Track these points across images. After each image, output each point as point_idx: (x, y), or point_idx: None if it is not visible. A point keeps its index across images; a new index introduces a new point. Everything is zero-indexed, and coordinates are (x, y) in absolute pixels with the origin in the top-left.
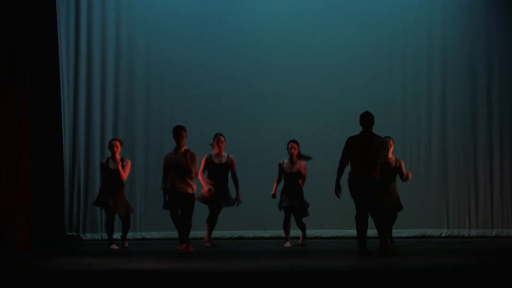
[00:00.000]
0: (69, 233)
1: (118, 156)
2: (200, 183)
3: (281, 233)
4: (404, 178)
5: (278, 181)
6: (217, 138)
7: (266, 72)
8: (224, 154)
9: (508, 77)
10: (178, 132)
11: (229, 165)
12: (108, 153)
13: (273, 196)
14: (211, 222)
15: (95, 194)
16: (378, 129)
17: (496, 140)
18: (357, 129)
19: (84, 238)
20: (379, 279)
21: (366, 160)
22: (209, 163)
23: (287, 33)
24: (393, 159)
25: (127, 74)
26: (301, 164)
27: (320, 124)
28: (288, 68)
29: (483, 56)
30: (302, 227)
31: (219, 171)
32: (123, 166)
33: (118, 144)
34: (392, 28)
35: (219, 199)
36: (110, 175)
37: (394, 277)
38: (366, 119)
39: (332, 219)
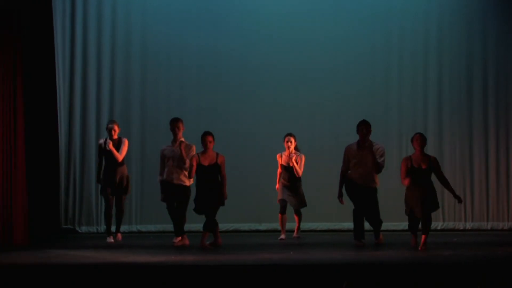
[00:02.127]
0: (64, 226)
1: (115, 137)
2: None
3: (276, 226)
4: (442, 180)
5: (281, 174)
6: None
7: (261, 69)
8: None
9: (503, 73)
10: (175, 124)
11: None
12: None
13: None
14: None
15: (90, 187)
16: (374, 123)
17: (492, 134)
18: (352, 123)
19: (80, 231)
20: (374, 271)
21: (364, 171)
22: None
23: (283, 32)
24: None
25: (122, 69)
26: (294, 155)
27: (316, 119)
28: (284, 63)
29: (479, 50)
30: (299, 216)
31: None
32: (117, 146)
33: (115, 127)
34: (389, 23)
35: None
36: (106, 156)
37: (389, 270)
38: (363, 128)
39: (328, 212)
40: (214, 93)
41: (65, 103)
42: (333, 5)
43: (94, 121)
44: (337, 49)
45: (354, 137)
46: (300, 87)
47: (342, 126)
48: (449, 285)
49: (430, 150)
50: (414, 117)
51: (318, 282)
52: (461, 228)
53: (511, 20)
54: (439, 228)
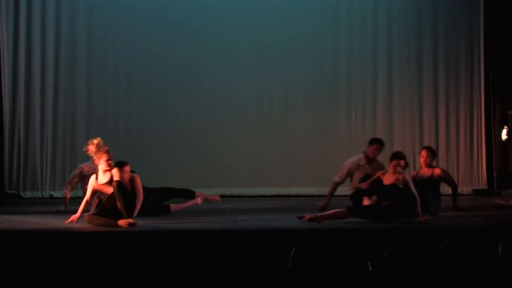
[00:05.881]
0: (9, 191)
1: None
2: None
3: (224, 191)
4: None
5: None
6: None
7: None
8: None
9: (453, 54)
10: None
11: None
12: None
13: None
14: None
15: (35, 152)
16: (324, 99)
17: (442, 105)
18: (299, 97)
19: (24, 196)
20: (323, 237)
21: None
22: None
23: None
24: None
25: (67, 34)
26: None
27: (265, 94)
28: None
29: (429, 20)
30: None
31: None
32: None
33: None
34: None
35: None
36: None
37: (337, 236)
38: (379, 150)
39: (277, 177)
40: (161, 68)
41: (9, 67)
42: None
43: (39, 85)
44: (286, 26)
45: (302, 113)
46: (249, 63)
47: (290, 100)
48: (396, 249)
49: (379, 124)
50: (364, 91)
51: (267, 248)
52: None
53: None
54: None
